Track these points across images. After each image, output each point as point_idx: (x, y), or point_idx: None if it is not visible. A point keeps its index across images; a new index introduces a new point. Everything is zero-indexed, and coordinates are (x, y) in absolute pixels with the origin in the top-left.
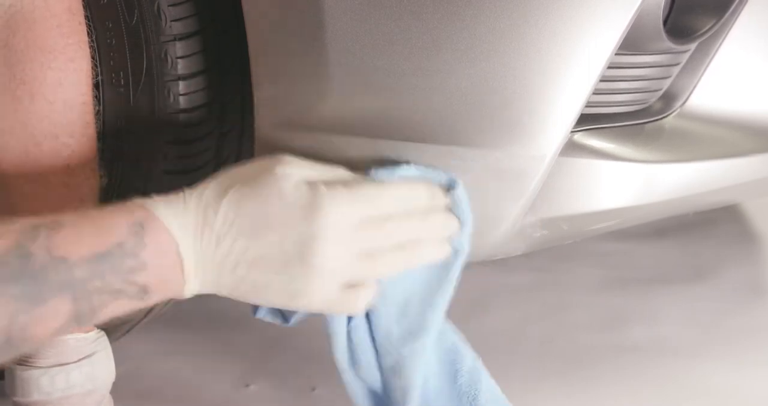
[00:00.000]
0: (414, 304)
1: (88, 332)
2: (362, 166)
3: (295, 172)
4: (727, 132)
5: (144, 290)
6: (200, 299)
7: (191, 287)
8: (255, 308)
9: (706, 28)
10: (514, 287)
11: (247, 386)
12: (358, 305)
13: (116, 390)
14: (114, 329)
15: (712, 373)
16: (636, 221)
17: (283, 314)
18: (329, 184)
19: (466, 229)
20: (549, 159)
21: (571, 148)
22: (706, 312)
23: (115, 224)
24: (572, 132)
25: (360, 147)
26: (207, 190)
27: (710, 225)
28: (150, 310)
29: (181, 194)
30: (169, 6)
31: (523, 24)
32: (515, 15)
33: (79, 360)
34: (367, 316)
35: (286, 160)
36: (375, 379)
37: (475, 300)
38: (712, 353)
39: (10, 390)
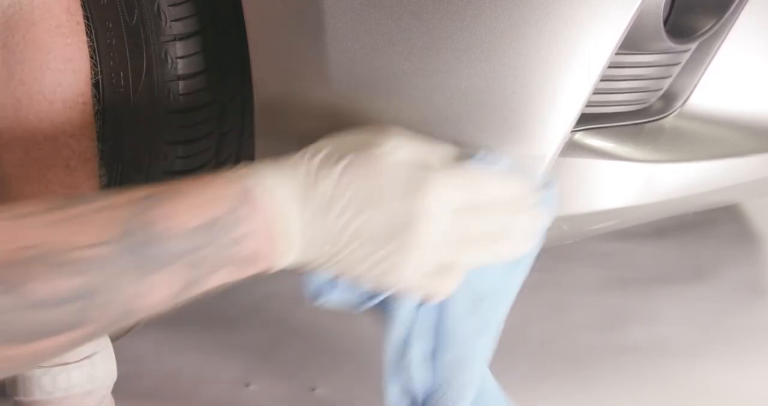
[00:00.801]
0: (490, 297)
1: None
2: (469, 148)
3: (402, 148)
4: (727, 132)
5: (253, 258)
6: (200, 299)
7: (292, 257)
8: (316, 294)
9: (706, 28)
10: None
11: (247, 386)
12: (444, 290)
13: (116, 390)
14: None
15: (712, 373)
16: (636, 221)
17: (355, 300)
18: (438, 163)
19: (543, 230)
20: (549, 159)
21: (571, 148)
22: (706, 312)
23: (221, 192)
24: (572, 132)
25: None
26: (317, 157)
27: (710, 225)
28: None
29: (291, 160)
30: (169, 6)
31: (523, 24)
32: (515, 15)
33: (81, 360)
34: (439, 306)
35: (391, 131)
36: (422, 376)
37: None
38: (712, 353)
39: (11, 389)
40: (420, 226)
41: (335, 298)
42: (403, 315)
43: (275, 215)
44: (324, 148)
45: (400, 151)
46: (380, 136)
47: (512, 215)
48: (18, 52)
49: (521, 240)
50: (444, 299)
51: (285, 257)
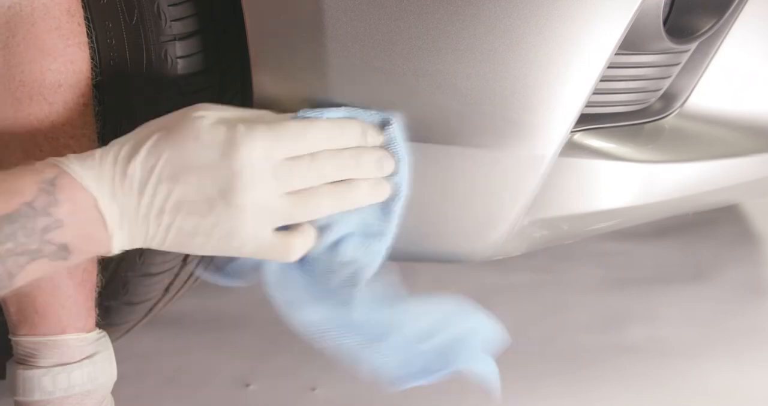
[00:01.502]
0: (352, 249)
1: (89, 331)
2: (291, 111)
3: (211, 114)
4: (727, 132)
5: (65, 249)
6: (200, 299)
7: (119, 242)
8: (212, 274)
9: (706, 28)
10: (514, 287)
11: (247, 386)
12: (294, 250)
13: (116, 390)
14: (114, 329)
15: (712, 373)
16: (636, 221)
17: (238, 272)
18: (249, 122)
19: (403, 167)
20: (549, 159)
21: (571, 148)
22: (706, 312)
23: (24, 183)
24: (572, 132)
25: None
26: (125, 142)
27: (710, 225)
28: (150, 310)
29: (95, 150)
30: (169, 6)
31: (523, 24)
32: (515, 15)
33: (81, 360)
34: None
35: (201, 105)
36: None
37: (475, 300)
38: (712, 353)
39: (11, 390)
40: (238, 186)
41: (220, 276)
42: (270, 277)
43: (83, 205)
44: (130, 134)
45: (208, 118)
46: (184, 111)
47: (354, 158)
48: (18, 54)
49: (369, 184)
50: (297, 258)
51: (112, 243)
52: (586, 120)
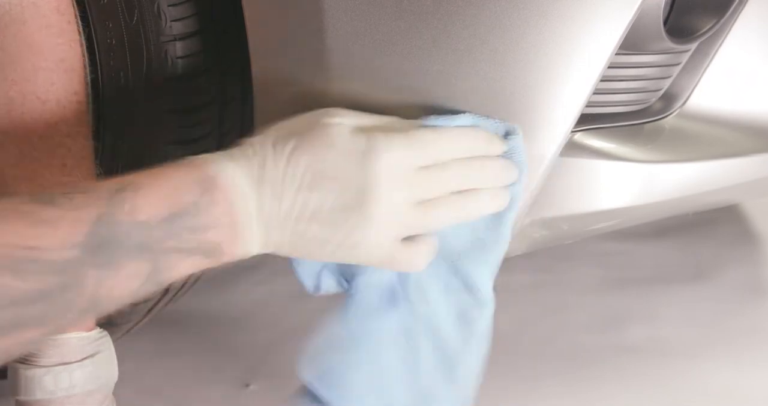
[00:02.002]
0: (468, 259)
1: (89, 330)
2: (417, 117)
3: (346, 121)
4: (727, 132)
5: (217, 248)
6: (200, 299)
7: (256, 246)
8: (313, 286)
9: (706, 28)
10: (514, 287)
11: (247, 386)
12: (418, 260)
13: (116, 390)
14: (114, 329)
15: (712, 373)
16: (636, 221)
17: (345, 280)
18: (383, 130)
19: (522, 178)
20: (549, 159)
21: (571, 148)
22: (706, 312)
23: (188, 182)
24: (572, 132)
25: None
26: (267, 142)
27: (710, 225)
28: (150, 310)
29: (242, 149)
30: (169, 6)
31: (524, 24)
32: (515, 15)
33: (82, 359)
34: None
35: (335, 111)
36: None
37: None
38: (712, 353)
39: (13, 389)
40: (375, 193)
41: (329, 283)
42: (378, 287)
43: (238, 203)
44: (272, 133)
45: (344, 125)
46: (319, 116)
47: (480, 168)
48: (10, 52)
49: (492, 194)
50: (422, 268)
51: (250, 244)
52: (586, 120)
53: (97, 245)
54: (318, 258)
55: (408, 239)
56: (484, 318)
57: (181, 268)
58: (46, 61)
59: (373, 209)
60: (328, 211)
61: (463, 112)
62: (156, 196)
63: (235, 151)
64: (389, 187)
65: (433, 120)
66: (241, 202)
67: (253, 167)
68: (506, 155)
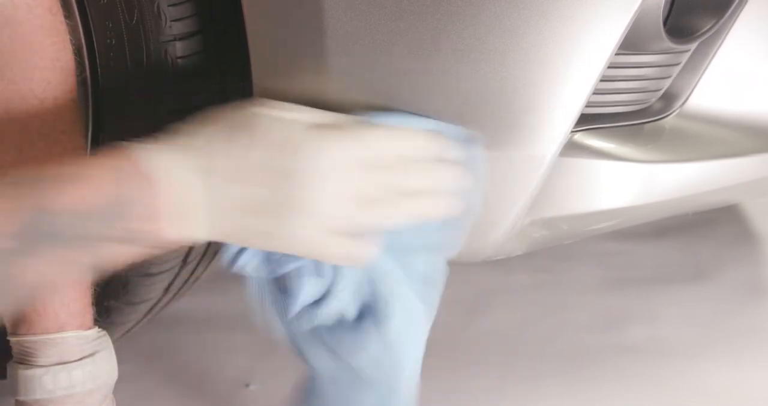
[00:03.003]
0: (415, 259)
1: (87, 329)
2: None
3: (283, 114)
4: (727, 132)
5: (152, 237)
6: (200, 299)
7: (200, 234)
8: (231, 261)
9: (706, 28)
10: (514, 287)
11: (247, 386)
12: (357, 257)
13: (116, 390)
14: (114, 329)
15: (712, 373)
16: (636, 221)
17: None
18: (326, 125)
19: (479, 188)
20: (549, 159)
21: (571, 148)
22: (706, 312)
23: (123, 172)
24: (572, 132)
25: None
26: (205, 133)
27: (710, 225)
28: (150, 310)
29: (180, 139)
30: (169, 6)
31: (523, 24)
32: (515, 15)
33: (81, 359)
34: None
35: (273, 103)
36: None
37: (475, 300)
38: (712, 353)
39: (12, 389)
40: (310, 187)
41: (249, 264)
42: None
43: (165, 192)
44: (205, 122)
45: (277, 119)
46: (256, 108)
47: (428, 170)
48: (5, 53)
49: (441, 198)
50: (368, 263)
51: (182, 232)
52: (586, 120)
53: (32, 234)
54: (260, 248)
55: (349, 234)
56: (425, 318)
57: (118, 256)
58: (42, 60)
59: (306, 202)
60: (267, 204)
61: (426, 115)
62: (86, 185)
63: (170, 142)
64: (326, 181)
65: (377, 116)
66: (172, 192)
67: (191, 157)
68: (464, 163)
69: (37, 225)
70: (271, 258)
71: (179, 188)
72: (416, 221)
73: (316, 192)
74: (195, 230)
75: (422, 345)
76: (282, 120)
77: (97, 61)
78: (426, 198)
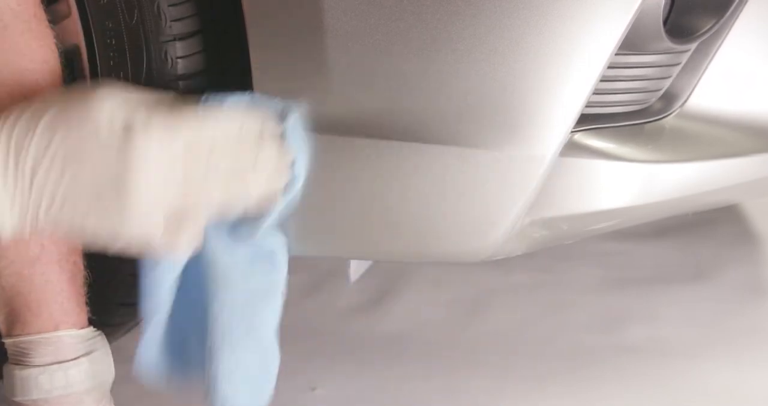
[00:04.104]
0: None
1: (82, 328)
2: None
3: (110, 102)
4: (727, 132)
5: None
6: None
7: (9, 225)
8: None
9: (706, 28)
10: (514, 287)
11: None
12: (181, 243)
13: (116, 390)
14: (114, 329)
15: (712, 373)
16: (636, 221)
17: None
18: (146, 112)
19: (301, 159)
20: (549, 159)
21: (571, 148)
22: (706, 312)
23: None
24: (572, 132)
25: (360, 147)
26: (19, 120)
27: (710, 225)
28: None
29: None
30: (169, 6)
31: (523, 24)
32: (515, 15)
33: (77, 358)
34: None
35: (102, 89)
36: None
37: (475, 300)
38: (712, 353)
39: (8, 391)
40: (133, 174)
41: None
42: (158, 272)
43: None
44: (24, 111)
45: (105, 104)
46: (85, 94)
47: (251, 149)
48: None
49: (265, 175)
50: (186, 250)
51: (7, 222)
52: (586, 120)
53: None
54: (80, 240)
55: (174, 220)
56: (263, 301)
57: None
58: (32, 63)
59: (131, 196)
60: (84, 194)
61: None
62: None
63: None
64: (149, 168)
65: (205, 101)
66: None
67: (13, 143)
68: (284, 135)
69: None
70: None
71: None
72: (245, 199)
73: (140, 185)
74: (21, 220)
75: (267, 329)
76: (107, 102)
77: (97, 61)
78: (249, 178)
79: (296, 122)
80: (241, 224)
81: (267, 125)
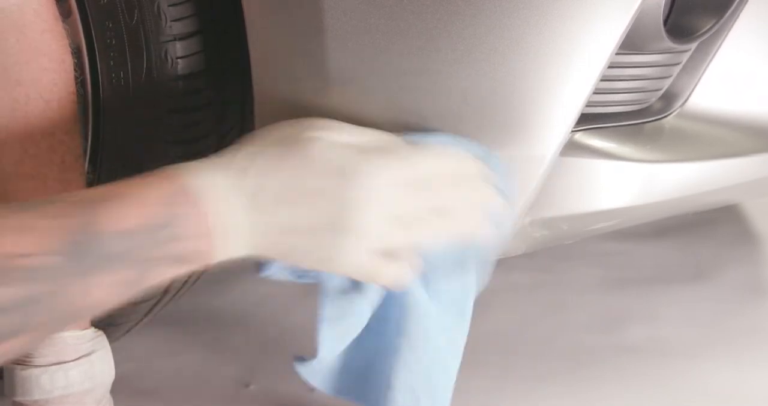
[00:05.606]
0: (449, 276)
1: (84, 329)
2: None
3: (328, 136)
4: (727, 132)
5: (196, 256)
6: (200, 299)
7: (241, 252)
8: (264, 268)
9: (706, 28)
10: (514, 287)
11: (247, 386)
12: (399, 277)
13: (116, 390)
14: (114, 329)
15: (712, 373)
16: (636, 221)
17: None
18: (364, 147)
19: (510, 207)
20: (549, 159)
21: (571, 148)
22: (706, 312)
23: (165, 190)
24: (572, 132)
25: None
26: (249, 151)
27: (710, 225)
28: (150, 310)
29: (223, 157)
30: (169, 6)
31: (523, 24)
32: (515, 15)
33: (78, 358)
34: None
35: (318, 124)
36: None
37: (475, 300)
38: (712, 353)
39: (9, 390)
40: (356, 209)
41: (280, 273)
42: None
43: (213, 211)
44: (255, 142)
45: (328, 138)
46: (302, 128)
47: (457, 190)
48: (14, 55)
49: (468, 216)
50: (405, 286)
51: (229, 251)
52: (586, 120)
53: (78, 252)
54: (300, 265)
55: (390, 255)
56: (461, 329)
57: (162, 275)
58: (51, 63)
59: (353, 228)
60: (308, 226)
61: (440, 130)
62: (135, 206)
63: (215, 161)
64: (371, 203)
65: (414, 136)
66: (221, 211)
67: (233, 176)
68: (498, 185)
69: (84, 244)
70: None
71: (225, 207)
72: (453, 241)
73: (365, 215)
74: (240, 248)
75: (450, 371)
76: (333, 145)
77: (97, 61)
78: (460, 218)
79: (506, 168)
80: (440, 265)
81: (486, 171)
